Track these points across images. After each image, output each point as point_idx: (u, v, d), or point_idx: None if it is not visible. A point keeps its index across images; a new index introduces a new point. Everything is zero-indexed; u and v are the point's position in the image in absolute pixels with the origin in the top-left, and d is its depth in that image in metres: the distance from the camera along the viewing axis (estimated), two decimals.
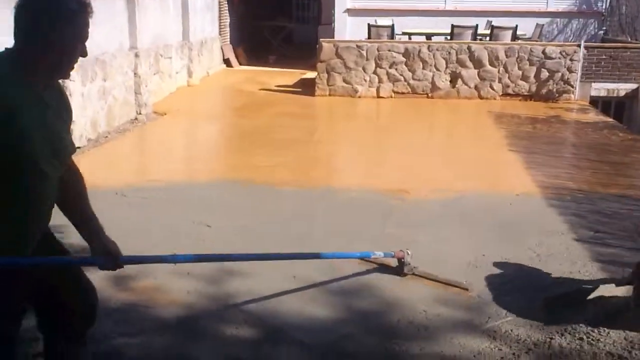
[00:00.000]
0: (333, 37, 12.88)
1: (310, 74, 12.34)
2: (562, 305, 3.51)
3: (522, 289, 3.80)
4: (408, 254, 3.95)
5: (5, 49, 1.92)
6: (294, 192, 5.78)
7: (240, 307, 3.54)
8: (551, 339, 3.20)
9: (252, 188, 5.87)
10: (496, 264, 4.16)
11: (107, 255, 2.17)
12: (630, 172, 6.88)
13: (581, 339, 3.18)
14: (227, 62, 14.73)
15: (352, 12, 13.96)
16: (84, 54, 1.96)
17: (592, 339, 3.16)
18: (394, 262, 4.01)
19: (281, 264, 3.91)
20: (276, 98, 11.02)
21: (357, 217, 5.08)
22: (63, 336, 2.34)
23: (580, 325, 3.30)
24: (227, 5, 14.88)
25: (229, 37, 15.13)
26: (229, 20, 15.08)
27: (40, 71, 1.90)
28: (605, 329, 3.24)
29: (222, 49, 14.60)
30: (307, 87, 11.61)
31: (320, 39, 11.62)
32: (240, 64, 15.14)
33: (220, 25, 14.48)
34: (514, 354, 3.06)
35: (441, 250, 4.43)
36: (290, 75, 13.03)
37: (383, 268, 4.07)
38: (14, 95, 1.81)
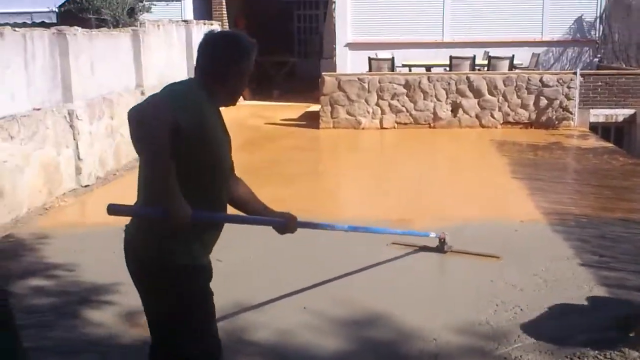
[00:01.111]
0: (335, 71, 13.05)
1: (314, 107, 12.48)
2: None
3: (529, 315, 3.83)
4: (447, 234, 4.91)
5: (189, 78, 2.38)
6: None
7: (253, 341, 3.56)
8: None
9: None
10: (504, 291, 4.19)
11: (287, 219, 2.59)
12: (631, 196, 6.93)
13: None
14: None
15: (352, 46, 14.16)
16: (246, 84, 2.36)
17: None
18: (434, 243, 4.94)
19: (293, 297, 3.99)
20: (281, 132, 11.13)
21: (365, 247, 5.11)
22: None
23: (588, 348, 3.32)
24: None
25: None
26: None
27: (220, 97, 2.31)
28: (610, 351, 3.26)
29: None
30: (311, 120, 11.74)
31: (323, 73, 11.79)
32: (245, 99, 15.31)
33: None
34: None
35: (451, 277, 4.48)
36: (295, 109, 13.17)
37: (426, 248, 4.98)
38: (207, 111, 2.22)
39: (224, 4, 14.88)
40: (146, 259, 2.28)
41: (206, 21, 13.35)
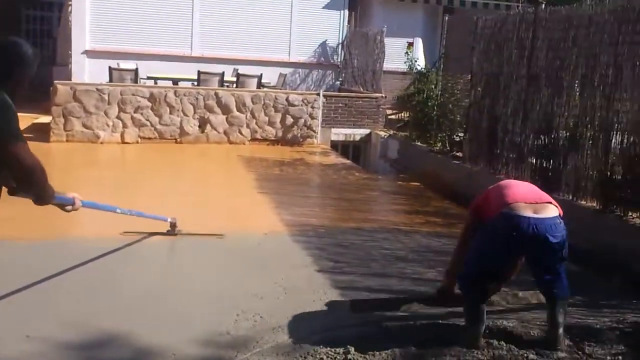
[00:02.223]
0: (70, 80, 12.44)
1: (44, 118, 11.74)
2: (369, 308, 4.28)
3: (269, 321, 4.08)
4: (176, 219, 5.73)
5: None
6: (28, 246, 5.43)
7: None
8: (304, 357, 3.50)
9: None
10: (245, 301, 4.39)
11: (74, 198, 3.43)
12: (364, 207, 7.80)
13: (321, 359, 3.53)
14: None
15: (91, 53, 13.63)
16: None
17: (330, 358, 3.54)
18: (165, 227, 5.69)
19: (12, 325, 3.72)
20: None
21: (96, 265, 4.97)
22: None
23: (320, 346, 3.67)
24: None
25: None
26: None
27: (11, 93, 2.78)
28: (337, 349, 3.64)
29: None
30: (40, 133, 10.96)
31: (55, 82, 11.16)
32: None
33: None
34: None
35: (192, 290, 4.57)
36: (21, 120, 12.16)
37: (157, 233, 5.66)
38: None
39: None
40: None
41: None
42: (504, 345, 3.75)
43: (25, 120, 12.12)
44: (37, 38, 18.18)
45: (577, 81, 6.52)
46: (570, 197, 6.36)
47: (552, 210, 3.71)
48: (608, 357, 3.66)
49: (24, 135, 2.89)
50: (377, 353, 3.65)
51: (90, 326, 3.88)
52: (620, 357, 3.66)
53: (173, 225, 5.70)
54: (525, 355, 3.64)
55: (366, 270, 5.14)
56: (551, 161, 6.85)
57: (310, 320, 4.12)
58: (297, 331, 3.93)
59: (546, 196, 3.87)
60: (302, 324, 4.06)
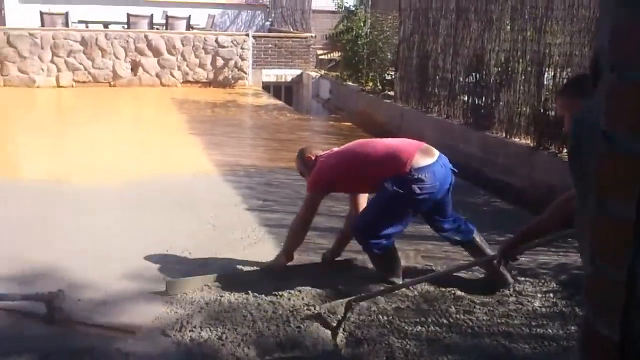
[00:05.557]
0: (4, 25, 11.90)
1: None
2: None
3: (196, 256, 4.11)
4: (63, 291, 3.25)
5: None
6: None
7: None
8: (221, 296, 3.56)
9: None
10: (173, 238, 4.38)
11: None
12: (295, 147, 7.65)
13: (247, 292, 3.61)
14: None
15: None
16: None
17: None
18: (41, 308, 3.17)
19: None
20: None
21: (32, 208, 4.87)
22: None
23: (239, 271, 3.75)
24: None
25: None
26: None
27: None
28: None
29: None
30: None
31: None
32: None
33: None
34: (188, 314, 3.34)
35: (123, 229, 4.55)
36: None
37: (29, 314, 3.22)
38: None
39: None
40: None
41: None
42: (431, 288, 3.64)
43: None
44: None
45: (507, 14, 6.17)
46: (504, 135, 6.08)
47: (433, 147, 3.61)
48: (539, 295, 3.62)
49: None
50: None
51: (22, 260, 3.84)
52: (551, 295, 3.62)
53: (51, 305, 3.14)
54: (452, 292, 3.61)
55: (294, 209, 5.08)
56: (483, 98, 6.51)
57: (237, 256, 4.17)
58: (224, 266, 3.98)
59: (414, 140, 3.69)
60: (227, 258, 4.11)
